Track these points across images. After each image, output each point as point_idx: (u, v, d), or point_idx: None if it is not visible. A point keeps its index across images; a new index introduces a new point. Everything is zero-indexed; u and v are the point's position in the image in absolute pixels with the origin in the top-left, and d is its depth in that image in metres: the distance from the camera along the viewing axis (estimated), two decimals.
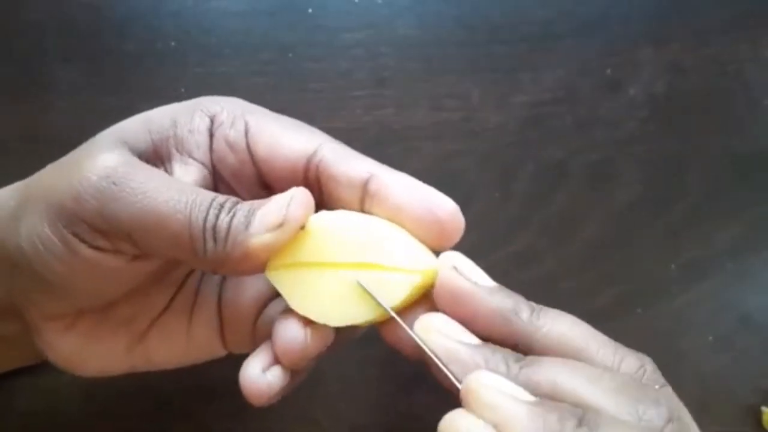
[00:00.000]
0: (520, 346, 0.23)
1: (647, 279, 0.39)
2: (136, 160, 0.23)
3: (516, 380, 0.21)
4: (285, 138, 0.25)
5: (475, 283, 0.23)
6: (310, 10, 0.38)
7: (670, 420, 0.20)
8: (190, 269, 0.28)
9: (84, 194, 0.22)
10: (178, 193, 0.22)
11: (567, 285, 0.38)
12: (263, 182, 0.26)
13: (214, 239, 0.22)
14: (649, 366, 0.23)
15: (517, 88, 0.39)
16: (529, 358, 0.22)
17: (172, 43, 0.36)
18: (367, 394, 0.36)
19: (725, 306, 0.39)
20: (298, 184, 0.25)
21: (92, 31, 0.36)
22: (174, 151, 0.25)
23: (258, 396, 0.24)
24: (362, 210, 0.25)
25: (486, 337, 0.23)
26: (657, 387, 0.22)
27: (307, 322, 0.24)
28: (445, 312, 0.23)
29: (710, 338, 0.39)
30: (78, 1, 0.36)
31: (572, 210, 0.39)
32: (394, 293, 0.23)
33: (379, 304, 0.23)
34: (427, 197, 0.24)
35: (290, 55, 0.37)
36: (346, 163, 0.24)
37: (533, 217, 0.38)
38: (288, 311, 0.24)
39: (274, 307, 0.27)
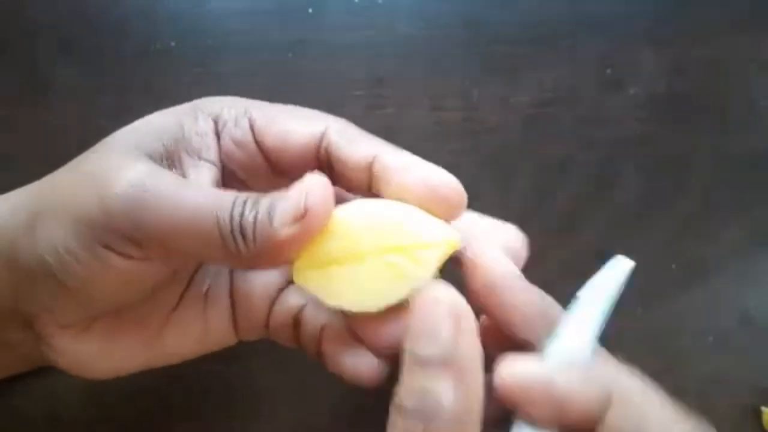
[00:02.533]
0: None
1: (647, 279, 0.39)
2: (159, 168, 0.23)
3: None
4: (291, 126, 0.26)
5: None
6: (310, 10, 0.38)
7: None
8: (199, 263, 0.28)
9: (115, 207, 0.22)
10: (204, 196, 0.23)
11: (567, 285, 0.38)
12: (278, 172, 0.26)
13: (243, 237, 0.22)
14: None
15: (518, 87, 0.39)
16: None
17: (172, 43, 0.36)
18: (368, 394, 0.36)
19: (726, 306, 0.39)
20: (309, 167, 0.25)
21: (92, 31, 0.36)
22: (184, 153, 0.25)
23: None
24: (370, 189, 0.25)
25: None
26: None
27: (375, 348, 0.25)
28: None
29: (710, 338, 0.39)
30: (78, 1, 0.36)
31: (573, 210, 0.39)
32: (425, 268, 0.24)
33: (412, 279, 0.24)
34: (427, 175, 0.24)
35: (290, 55, 0.37)
36: (350, 145, 0.25)
37: (533, 217, 0.38)
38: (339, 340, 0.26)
39: (288, 295, 0.28)
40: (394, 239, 0.24)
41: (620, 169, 0.39)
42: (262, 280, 0.28)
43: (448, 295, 0.21)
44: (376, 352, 0.26)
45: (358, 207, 0.24)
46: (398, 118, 0.38)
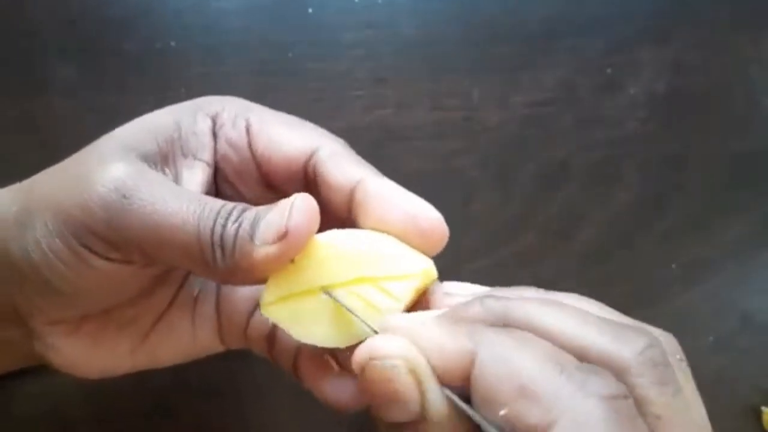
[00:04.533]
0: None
1: (647, 279, 0.39)
2: (144, 169, 0.23)
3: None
4: (285, 137, 0.25)
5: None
6: (310, 10, 0.38)
7: (648, 345, 0.19)
8: None
9: (94, 207, 0.22)
10: (187, 203, 0.22)
11: (567, 285, 0.38)
12: (266, 181, 0.26)
13: (222, 250, 0.22)
14: (672, 339, 0.21)
15: (518, 87, 0.39)
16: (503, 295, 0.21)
17: (172, 43, 0.36)
18: None
19: (726, 306, 0.39)
20: (298, 184, 0.25)
21: (92, 31, 0.36)
22: (179, 153, 0.25)
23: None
24: (350, 216, 0.25)
25: None
26: (677, 357, 0.20)
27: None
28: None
29: (711, 338, 0.39)
30: (78, 1, 0.36)
31: (572, 210, 0.39)
32: (397, 300, 0.23)
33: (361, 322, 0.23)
34: (410, 208, 0.23)
35: (290, 55, 0.37)
36: (337, 167, 0.24)
37: (533, 217, 0.38)
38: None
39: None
40: (366, 270, 0.23)
41: (620, 169, 0.39)
42: (247, 290, 0.27)
43: (397, 349, 0.20)
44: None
45: (332, 236, 0.23)
46: (398, 118, 0.38)
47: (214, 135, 0.26)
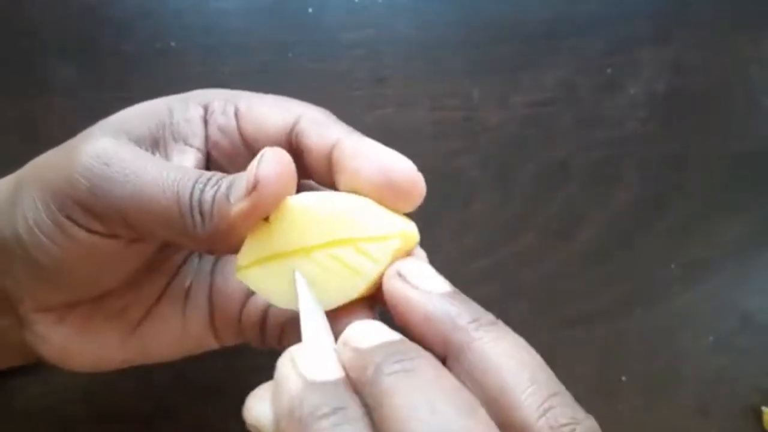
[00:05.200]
0: (448, 357, 0.20)
1: (647, 279, 0.39)
2: (128, 143, 0.23)
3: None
4: (267, 113, 0.25)
5: (419, 289, 0.21)
6: (310, 10, 0.38)
7: None
8: (184, 258, 0.28)
9: (76, 175, 0.22)
10: (167, 171, 0.22)
11: (567, 285, 0.38)
12: None
13: (201, 214, 0.22)
14: (584, 427, 0.18)
15: (518, 87, 0.39)
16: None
17: (172, 43, 0.36)
18: None
19: (726, 306, 0.39)
20: None
21: (92, 31, 0.36)
22: (170, 139, 0.25)
23: None
24: (330, 179, 0.24)
25: (423, 344, 0.20)
26: None
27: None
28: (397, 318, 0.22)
29: (710, 338, 0.39)
30: (78, 1, 0.36)
31: (572, 210, 0.39)
32: (376, 262, 0.22)
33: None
34: (382, 160, 0.23)
35: (290, 55, 0.37)
36: (316, 132, 0.24)
37: (533, 217, 0.38)
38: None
39: (257, 300, 0.27)
40: (342, 232, 0.22)
41: (620, 169, 0.39)
42: (240, 281, 0.27)
43: (251, 419, 0.19)
44: None
45: (307, 198, 0.23)
46: (398, 118, 0.38)
47: (205, 122, 0.26)
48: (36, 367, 0.32)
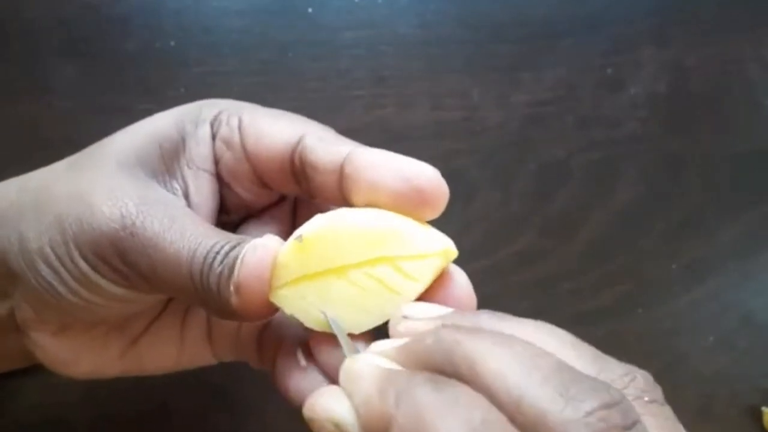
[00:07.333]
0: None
1: (648, 279, 0.39)
2: (152, 195, 0.23)
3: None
4: (270, 129, 0.24)
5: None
6: (310, 10, 0.38)
7: (608, 406, 0.16)
8: None
9: (103, 239, 0.22)
10: (188, 241, 0.22)
11: (567, 285, 0.38)
12: (260, 179, 0.26)
13: (215, 293, 0.21)
14: (641, 378, 0.18)
15: (518, 87, 0.39)
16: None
17: (172, 43, 0.36)
18: None
19: (726, 306, 0.39)
20: (286, 177, 0.24)
21: (92, 31, 0.36)
22: (184, 163, 0.25)
23: None
24: (341, 196, 0.23)
25: None
26: (646, 399, 0.18)
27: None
28: None
29: (711, 338, 0.39)
30: (78, 0, 0.36)
31: (573, 210, 0.39)
32: (417, 281, 0.22)
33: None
34: (402, 168, 0.22)
35: (290, 54, 0.37)
36: (323, 148, 0.23)
37: (534, 217, 0.38)
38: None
39: None
40: (379, 250, 0.21)
41: (620, 169, 0.39)
42: None
43: (323, 412, 0.19)
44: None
45: (340, 216, 0.22)
46: (398, 118, 0.38)
47: (214, 138, 0.26)
48: (35, 368, 0.32)
